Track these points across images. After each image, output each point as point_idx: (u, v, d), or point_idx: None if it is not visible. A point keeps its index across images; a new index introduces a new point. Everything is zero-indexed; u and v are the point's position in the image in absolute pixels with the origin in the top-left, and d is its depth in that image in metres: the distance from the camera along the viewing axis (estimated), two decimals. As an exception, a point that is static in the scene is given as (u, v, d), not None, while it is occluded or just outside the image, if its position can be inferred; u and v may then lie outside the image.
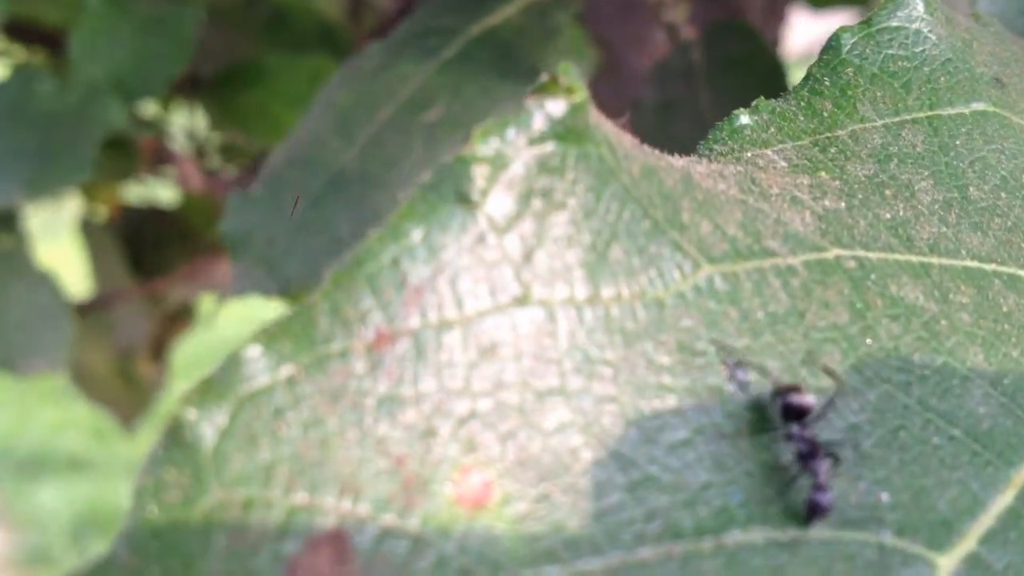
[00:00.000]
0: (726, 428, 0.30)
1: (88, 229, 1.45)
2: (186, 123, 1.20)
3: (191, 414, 0.26)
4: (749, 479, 0.29)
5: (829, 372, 0.30)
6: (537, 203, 0.29)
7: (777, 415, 0.28)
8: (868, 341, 0.33)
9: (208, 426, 0.26)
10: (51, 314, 1.10)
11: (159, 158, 1.29)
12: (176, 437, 0.26)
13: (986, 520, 0.31)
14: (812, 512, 0.28)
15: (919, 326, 0.34)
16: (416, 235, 0.28)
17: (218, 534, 0.25)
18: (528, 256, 0.29)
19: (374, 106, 0.76)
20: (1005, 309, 0.36)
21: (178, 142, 1.31)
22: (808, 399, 0.28)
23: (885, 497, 0.30)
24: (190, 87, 1.12)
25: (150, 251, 1.43)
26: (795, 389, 0.28)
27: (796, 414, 0.28)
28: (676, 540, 0.28)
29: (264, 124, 1.15)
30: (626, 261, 0.30)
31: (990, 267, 0.38)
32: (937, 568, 0.29)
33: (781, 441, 0.28)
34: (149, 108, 1.20)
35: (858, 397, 0.32)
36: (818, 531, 0.29)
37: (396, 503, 0.26)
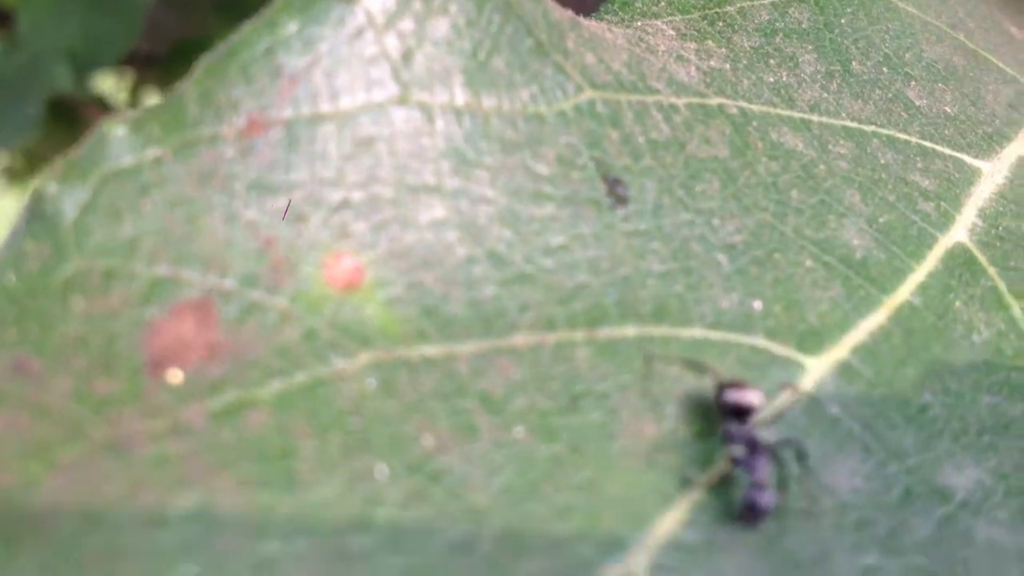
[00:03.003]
0: (604, 238, 0.28)
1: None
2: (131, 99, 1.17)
3: (52, 188, 0.24)
4: (624, 283, 0.28)
5: (708, 370, 0.27)
6: (417, 4, 0.27)
7: (718, 412, 0.25)
8: (747, 174, 0.32)
9: (69, 200, 0.24)
10: None
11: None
12: (36, 211, 0.24)
13: (857, 335, 0.30)
14: (749, 511, 0.24)
15: (798, 167, 0.33)
16: (292, 27, 0.26)
17: (77, 300, 0.23)
18: (407, 56, 0.27)
19: None
20: (883, 162, 0.35)
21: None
22: (750, 396, 0.26)
23: (757, 305, 0.29)
24: (144, 64, 1.10)
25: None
26: (737, 385, 0.26)
27: (737, 412, 0.25)
28: (549, 330, 0.26)
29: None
30: (508, 74, 0.28)
31: (869, 128, 0.37)
32: (806, 369, 0.28)
33: (721, 440, 0.25)
34: (104, 84, 1.18)
35: (735, 221, 0.31)
36: (688, 331, 0.28)
37: (264, 281, 0.24)
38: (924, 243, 0.33)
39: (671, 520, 0.24)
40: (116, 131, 0.24)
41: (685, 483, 0.24)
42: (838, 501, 0.26)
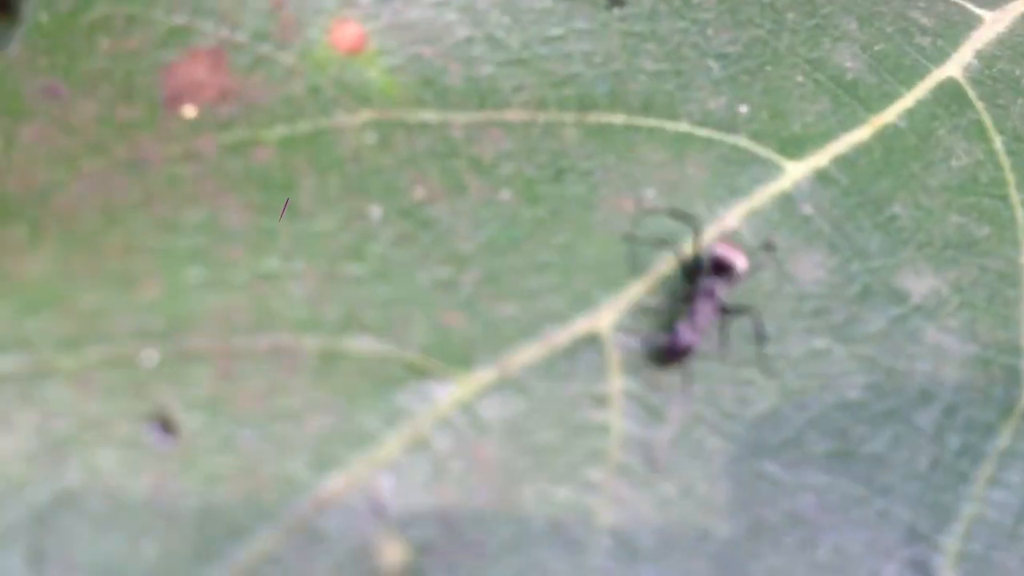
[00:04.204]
0: (600, 34, 0.31)
1: None
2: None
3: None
4: (616, 77, 0.30)
5: (683, 216, 0.28)
6: None
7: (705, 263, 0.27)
8: (745, -9, 0.34)
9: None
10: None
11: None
12: (66, -43, 0.26)
13: (839, 146, 0.32)
14: (670, 346, 0.26)
15: (798, -9, 0.35)
16: None
17: (102, 39, 0.26)
18: None
19: None
20: (884, 8, 0.37)
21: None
22: (739, 261, 0.27)
23: (744, 109, 0.31)
24: None
25: None
26: (729, 244, 0.28)
27: (718, 267, 0.27)
28: (540, 109, 0.29)
29: None
30: None
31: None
32: (784, 171, 0.31)
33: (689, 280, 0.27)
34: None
35: (729, 33, 0.33)
36: (674, 124, 0.30)
37: (273, 37, 0.27)
38: (916, 73, 0.36)
39: (639, 287, 0.27)
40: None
41: (656, 255, 0.27)
42: (799, 289, 0.29)
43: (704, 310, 0.26)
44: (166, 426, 0.20)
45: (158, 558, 0.19)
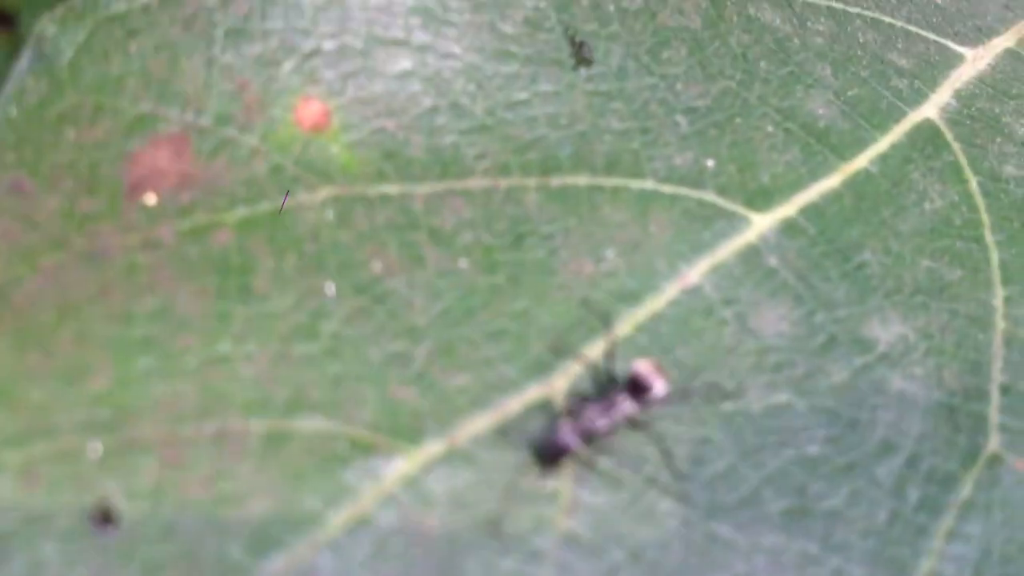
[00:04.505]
0: (566, 96, 0.31)
1: None
2: None
3: (51, 30, 0.27)
4: (581, 138, 0.30)
5: (601, 317, 0.27)
6: None
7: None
8: (716, 44, 0.34)
9: (66, 42, 0.27)
10: None
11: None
12: (37, 51, 0.27)
13: (808, 195, 0.32)
14: (545, 445, 0.25)
15: (771, 40, 0.35)
16: None
17: (69, 130, 0.26)
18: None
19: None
20: (862, 40, 0.37)
21: None
22: (658, 385, 0.26)
23: (711, 164, 0.31)
24: None
25: None
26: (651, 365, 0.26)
27: (635, 388, 0.26)
28: (503, 175, 0.29)
29: None
30: (478, -61, 0.31)
31: (855, 10, 0.38)
32: (750, 223, 0.30)
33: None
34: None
35: (698, 87, 0.33)
36: (639, 183, 0.30)
37: (237, 119, 0.27)
38: (891, 116, 0.35)
39: (596, 350, 0.27)
40: (108, -19, 0.27)
41: (610, 319, 0.27)
42: (761, 344, 0.28)
43: (597, 420, 0.25)
44: (106, 518, 0.21)
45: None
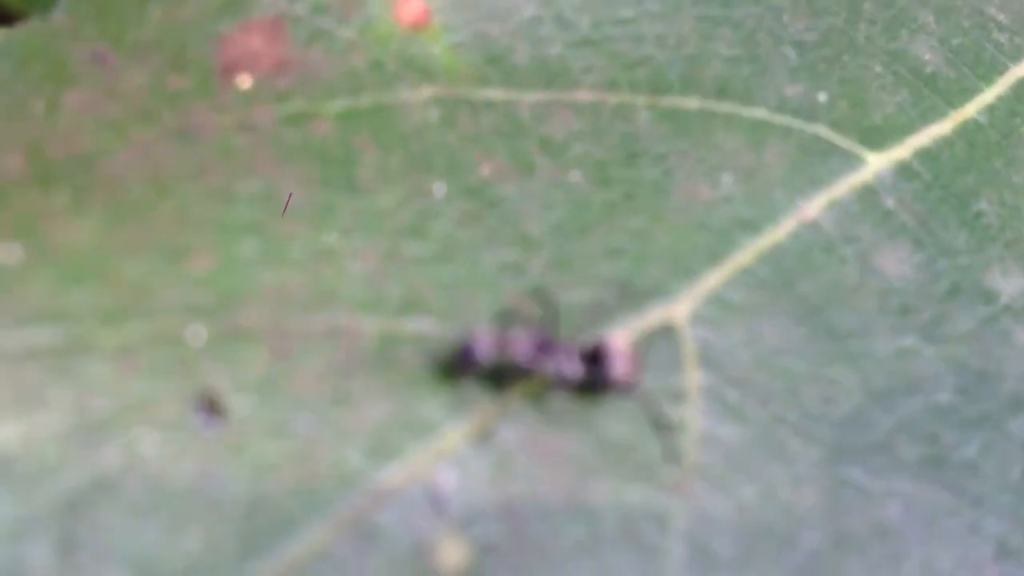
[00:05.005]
0: (673, 17, 0.28)
1: None
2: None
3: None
4: (690, 61, 0.28)
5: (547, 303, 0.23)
6: None
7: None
8: (820, -20, 0.32)
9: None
10: None
11: None
12: (120, -79, 0.24)
13: (921, 139, 0.30)
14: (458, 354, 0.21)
15: (874, -17, 0.33)
16: None
17: (154, 8, 0.24)
18: None
19: None
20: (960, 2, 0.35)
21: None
22: (618, 367, 0.22)
23: (823, 97, 0.29)
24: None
25: None
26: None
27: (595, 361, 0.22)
28: (611, 91, 0.26)
29: None
30: None
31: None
32: (866, 163, 0.28)
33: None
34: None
35: (805, 20, 0.31)
36: (751, 110, 0.28)
37: (333, 10, 0.25)
38: (995, 69, 0.33)
39: (717, 276, 0.24)
40: None
41: (733, 244, 0.25)
42: (885, 285, 0.26)
43: (521, 352, 0.21)
44: (213, 409, 0.18)
45: (199, 551, 0.17)
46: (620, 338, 0.22)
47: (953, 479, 0.24)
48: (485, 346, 0.21)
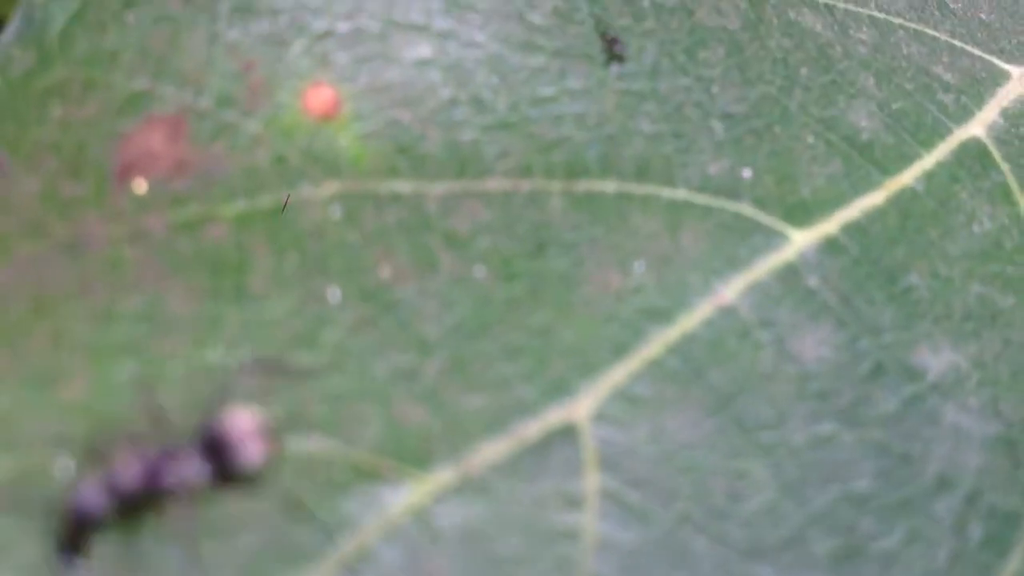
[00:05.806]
0: (595, 94, 0.28)
1: None
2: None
3: (41, -4, 0.24)
4: (610, 140, 0.28)
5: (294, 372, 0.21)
6: None
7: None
8: (755, 47, 0.31)
9: (58, 9, 0.24)
10: None
11: None
12: (27, 18, 0.24)
13: (850, 212, 0.29)
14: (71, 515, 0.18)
15: (812, 47, 0.32)
16: None
17: (55, 106, 0.24)
18: None
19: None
20: (905, 52, 0.34)
21: None
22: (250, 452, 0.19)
23: (747, 174, 0.28)
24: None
25: None
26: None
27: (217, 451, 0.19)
28: (524, 177, 0.26)
29: None
30: (508, -79, 0.28)
31: (897, 21, 0.36)
32: (789, 240, 0.28)
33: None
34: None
35: (736, 90, 0.30)
36: (671, 191, 0.28)
37: (240, 103, 0.25)
38: (937, 133, 0.33)
39: (622, 371, 0.24)
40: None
41: (642, 336, 0.24)
42: (801, 369, 0.26)
43: (128, 474, 0.18)
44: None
45: None
46: (243, 416, 0.19)
47: (872, 571, 0.23)
48: (94, 497, 0.18)
